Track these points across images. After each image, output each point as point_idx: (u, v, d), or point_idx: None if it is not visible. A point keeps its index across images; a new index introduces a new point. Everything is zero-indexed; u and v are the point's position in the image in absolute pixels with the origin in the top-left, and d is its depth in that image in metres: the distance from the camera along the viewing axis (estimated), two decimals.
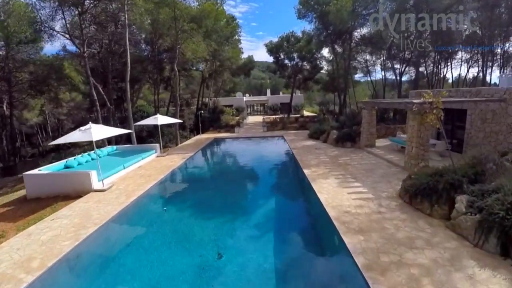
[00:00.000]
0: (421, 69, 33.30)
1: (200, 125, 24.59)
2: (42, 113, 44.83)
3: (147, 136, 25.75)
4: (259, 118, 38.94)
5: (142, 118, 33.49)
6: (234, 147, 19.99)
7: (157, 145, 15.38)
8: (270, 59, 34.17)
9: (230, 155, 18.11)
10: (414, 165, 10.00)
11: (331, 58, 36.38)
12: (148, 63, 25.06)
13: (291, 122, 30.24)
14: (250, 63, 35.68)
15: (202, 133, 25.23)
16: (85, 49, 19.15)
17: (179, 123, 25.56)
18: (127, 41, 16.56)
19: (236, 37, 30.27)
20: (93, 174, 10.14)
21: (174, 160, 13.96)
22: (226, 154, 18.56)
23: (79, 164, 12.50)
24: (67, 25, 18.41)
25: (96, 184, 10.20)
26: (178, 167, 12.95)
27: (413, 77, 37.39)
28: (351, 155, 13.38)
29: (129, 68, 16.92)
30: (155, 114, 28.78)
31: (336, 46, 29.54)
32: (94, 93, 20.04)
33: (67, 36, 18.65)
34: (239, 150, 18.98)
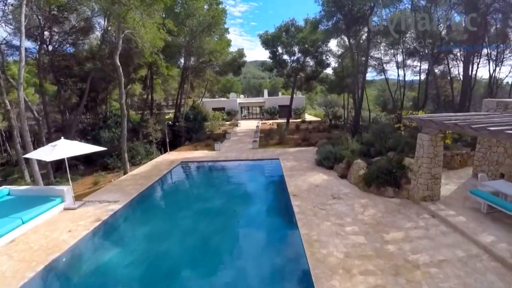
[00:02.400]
0: (440, 67, 27.85)
1: (167, 140, 18.37)
2: (8, 117, 39.02)
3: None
4: (253, 124, 32.75)
5: (117, 124, 27.26)
6: (198, 186, 12.99)
7: (67, 188, 9.15)
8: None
9: (183, 207, 10.05)
10: None
11: (339, 52, 30.29)
12: (99, 57, 18.87)
13: (290, 132, 24.07)
14: (240, 58, 29.27)
15: (173, 149, 19.06)
16: None
17: (146, 137, 19.74)
18: (23, 19, 10.29)
19: (222, 26, 24.06)
20: None
21: (80, 224, 7.75)
22: (177, 205, 10.34)
23: None
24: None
25: None
26: (71, 248, 6.49)
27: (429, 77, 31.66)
28: (404, 222, 7.16)
29: (23, 63, 10.55)
30: (128, 118, 22.38)
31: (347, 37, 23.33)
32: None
33: None
34: (203, 195, 11.46)
